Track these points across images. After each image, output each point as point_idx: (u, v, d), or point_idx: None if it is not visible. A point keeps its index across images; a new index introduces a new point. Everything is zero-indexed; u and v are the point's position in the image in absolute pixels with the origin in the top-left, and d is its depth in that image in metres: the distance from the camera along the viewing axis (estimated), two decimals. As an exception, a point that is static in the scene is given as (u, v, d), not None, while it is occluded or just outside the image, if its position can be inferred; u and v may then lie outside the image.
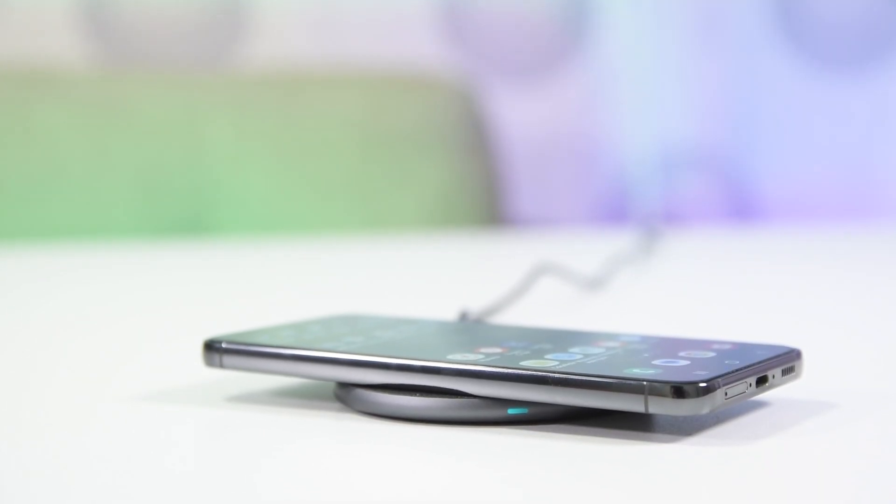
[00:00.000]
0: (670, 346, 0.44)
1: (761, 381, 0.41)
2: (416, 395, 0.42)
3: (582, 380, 0.39)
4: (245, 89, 1.40)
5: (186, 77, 1.42)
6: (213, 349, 0.45)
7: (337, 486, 0.35)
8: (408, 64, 1.50)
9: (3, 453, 0.40)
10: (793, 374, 0.43)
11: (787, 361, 0.42)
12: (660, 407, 0.38)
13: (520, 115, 1.58)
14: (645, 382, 0.38)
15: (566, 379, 0.39)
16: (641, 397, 0.38)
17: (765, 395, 0.44)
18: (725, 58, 1.60)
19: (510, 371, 0.40)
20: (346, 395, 0.44)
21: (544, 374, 0.40)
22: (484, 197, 1.40)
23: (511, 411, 0.41)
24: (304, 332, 0.47)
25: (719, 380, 0.39)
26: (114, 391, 0.48)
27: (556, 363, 0.41)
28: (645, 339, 0.45)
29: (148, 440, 0.41)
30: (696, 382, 0.38)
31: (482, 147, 1.42)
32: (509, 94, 1.58)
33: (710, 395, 0.38)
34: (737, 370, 0.40)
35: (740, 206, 1.61)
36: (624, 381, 0.39)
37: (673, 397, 0.38)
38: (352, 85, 1.41)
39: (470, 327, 0.50)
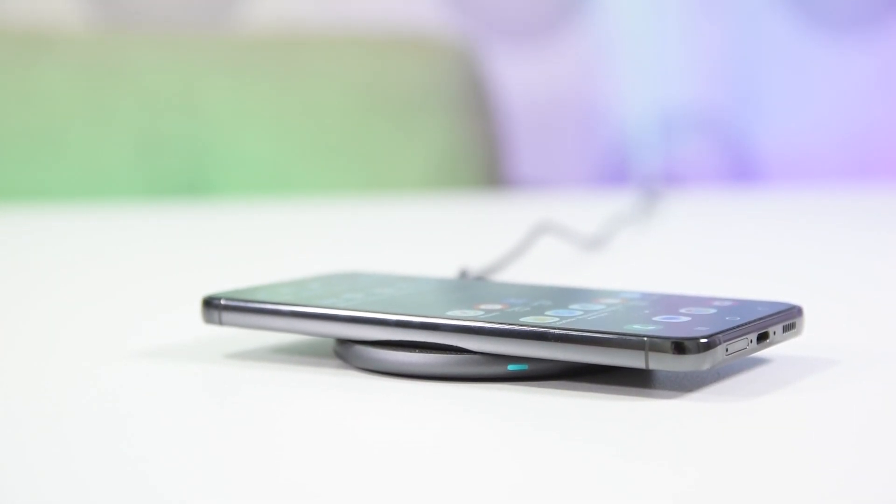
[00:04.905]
0: (671, 302, 0.43)
1: (762, 337, 0.40)
2: (415, 352, 0.42)
3: (582, 336, 0.39)
4: (244, 51, 1.39)
5: (185, 39, 1.42)
6: (212, 306, 0.45)
7: (336, 442, 0.35)
8: (409, 26, 1.49)
9: (3, 411, 0.39)
10: (794, 330, 0.42)
11: (788, 318, 0.42)
12: (660, 363, 0.38)
13: (521, 77, 1.57)
14: (645, 338, 0.38)
15: (566, 335, 0.39)
16: (642, 353, 0.38)
17: (765, 352, 0.44)
18: (727, 19, 1.59)
19: (510, 327, 0.40)
20: (345, 352, 0.43)
21: (544, 330, 0.40)
22: (485, 158, 1.40)
23: (511, 367, 0.41)
24: (303, 289, 0.47)
25: (720, 336, 0.38)
26: (113, 348, 0.48)
27: (557, 319, 0.41)
28: (645, 296, 0.45)
29: (147, 397, 0.41)
30: (697, 338, 0.38)
31: (483, 109, 1.42)
32: (510, 55, 1.57)
33: (711, 350, 0.38)
34: (738, 326, 0.39)
35: (740, 167, 1.61)
36: (624, 337, 0.38)
37: (673, 353, 0.38)
38: (352, 46, 1.41)
39: (470, 284, 0.50)
